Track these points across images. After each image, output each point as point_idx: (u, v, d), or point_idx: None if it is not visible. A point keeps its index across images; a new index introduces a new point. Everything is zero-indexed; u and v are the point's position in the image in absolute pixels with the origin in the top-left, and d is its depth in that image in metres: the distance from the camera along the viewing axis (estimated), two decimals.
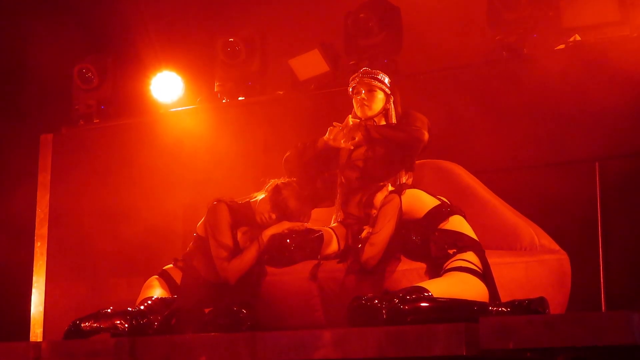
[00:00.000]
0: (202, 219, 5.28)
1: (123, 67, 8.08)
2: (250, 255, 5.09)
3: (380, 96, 5.39)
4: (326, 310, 4.90)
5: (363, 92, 5.38)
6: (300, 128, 6.68)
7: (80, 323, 4.99)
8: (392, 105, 5.42)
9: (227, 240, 5.11)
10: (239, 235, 5.19)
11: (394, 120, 5.38)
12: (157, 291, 5.12)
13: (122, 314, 4.88)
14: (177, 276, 5.23)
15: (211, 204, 5.21)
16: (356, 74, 5.49)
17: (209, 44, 7.60)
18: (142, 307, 4.92)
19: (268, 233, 5.14)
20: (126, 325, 4.82)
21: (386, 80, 5.42)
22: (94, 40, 8.23)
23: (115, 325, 4.86)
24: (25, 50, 8.18)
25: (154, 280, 5.22)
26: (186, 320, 4.89)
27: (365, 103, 5.37)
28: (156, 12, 8.05)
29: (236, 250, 5.11)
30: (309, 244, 5.08)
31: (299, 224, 5.18)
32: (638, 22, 6.15)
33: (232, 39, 7.44)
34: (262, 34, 7.53)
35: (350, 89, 5.46)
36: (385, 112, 5.40)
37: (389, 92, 5.41)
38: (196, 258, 5.22)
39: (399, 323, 4.21)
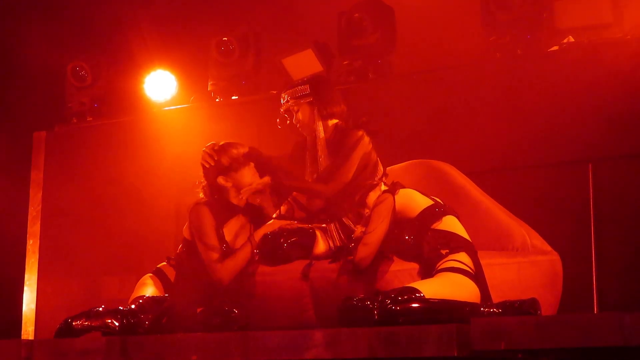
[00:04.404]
0: (187, 223, 5.27)
1: (116, 66, 8.07)
2: (243, 255, 5.08)
3: (308, 112, 5.32)
4: (317, 310, 4.90)
5: (294, 115, 5.32)
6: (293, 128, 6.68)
7: (71, 321, 4.98)
8: (319, 119, 5.25)
9: (214, 242, 5.10)
10: (226, 233, 5.18)
11: (320, 129, 5.23)
12: (150, 289, 5.12)
13: (114, 313, 4.87)
14: (171, 274, 5.22)
15: (191, 207, 5.20)
16: (282, 99, 5.36)
17: (203, 42, 7.60)
18: (133, 306, 4.91)
19: (261, 233, 5.14)
20: (117, 324, 4.81)
21: (303, 92, 5.27)
22: (87, 38, 8.22)
23: (107, 324, 4.85)
24: (19, 47, 8.17)
25: (148, 279, 5.21)
26: (177, 320, 4.89)
27: (299, 126, 5.32)
28: (150, 10, 8.04)
29: (226, 250, 5.11)
30: (303, 241, 5.08)
31: (291, 222, 5.18)
32: (631, 23, 6.17)
33: (225, 38, 7.44)
34: (256, 33, 7.53)
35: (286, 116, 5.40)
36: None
37: (312, 100, 5.25)
38: (191, 261, 5.21)
39: (390, 324, 4.20)
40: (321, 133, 5.26)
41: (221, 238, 5.13)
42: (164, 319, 4.85)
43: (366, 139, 5.15)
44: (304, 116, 5.29)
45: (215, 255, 5.07)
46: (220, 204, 5.22)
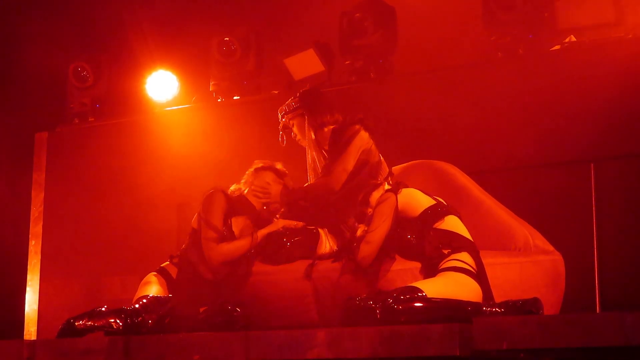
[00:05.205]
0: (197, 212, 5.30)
1: (118, 66, 8.07)
2: (240, 245, 5.11)
3: (301, 124, 5.38)
4: (320, 309, 4.91)
5: (291, 130, 5.43)
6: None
7: (74, 322, 4.99)
8: (311, 129, 5.35)
9: (218, 223, 5.15)
10: (234, 225, 5.20)
11: (312, 137, 5.33)
12: (154, 289, 5.13)
13: (116, 313, 4.88)
14: (175, 273, 5.24)
15: (208, 192, 5.25)
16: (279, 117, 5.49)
17: (204, 42, 7.60)
18: (136, 306, 4.92)
19: (264, 232, 5.16)
20: (120, 324, 4.82)
21: (293, 106, 5.40)
22: (89, 39, 8.22)
23: (110, 324, 4.87)
24: (21, 48, 8.18)
25: (152, 277, 5.23)
26: (180, 319, 4.89)
27: (297, 139, 5.42)
28: (151, 10, 8.04)
29: (227, 236, 5.13)
30: (306, 241, 5.10)
31: (294, 222, 5.20)
32: (633, 23, 6.17)
33: (227, 38, 7.44)
34: (258, 33, 7.53)
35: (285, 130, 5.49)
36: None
37: (302, 111, 5.38)
38: (191, 252, 5.22)
39: (392, 323, 4.21)
40: (314, 139, 5.30)
41: (226, 225, 5.17)
42: (167, 318, 4.86)
43: (363, 134, 5.17)
44: (298, 128, 5.42)
45: (213, 235, 5.12)
46: (237, 198, 5.28)
